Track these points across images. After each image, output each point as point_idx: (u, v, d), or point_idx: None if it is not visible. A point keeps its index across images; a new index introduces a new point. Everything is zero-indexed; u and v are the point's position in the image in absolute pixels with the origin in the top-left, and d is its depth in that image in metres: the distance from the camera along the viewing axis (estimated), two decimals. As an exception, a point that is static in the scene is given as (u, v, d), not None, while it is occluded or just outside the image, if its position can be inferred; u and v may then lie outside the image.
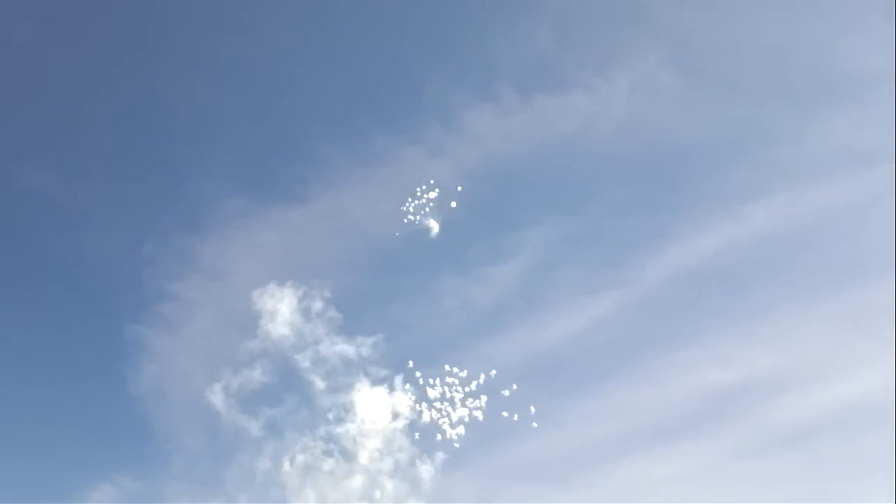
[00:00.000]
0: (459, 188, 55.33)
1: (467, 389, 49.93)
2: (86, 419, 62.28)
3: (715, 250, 62.76)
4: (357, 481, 49.45)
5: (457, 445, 49.63)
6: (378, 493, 48.94)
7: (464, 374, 50.98)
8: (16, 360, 62.99)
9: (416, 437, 50.20)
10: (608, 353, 61.68)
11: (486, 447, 53.54)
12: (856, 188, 61.26)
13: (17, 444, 59.98)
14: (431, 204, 56.02)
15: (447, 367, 50.95)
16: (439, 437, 49.86)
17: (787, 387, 57.98)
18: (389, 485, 49.25)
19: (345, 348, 52.98)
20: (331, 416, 51.62)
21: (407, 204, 55.94)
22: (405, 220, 55.56)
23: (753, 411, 57.88)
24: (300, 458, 50.92)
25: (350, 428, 50.71)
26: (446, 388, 50.42)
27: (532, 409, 49.77)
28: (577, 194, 67.04)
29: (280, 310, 54.27)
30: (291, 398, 53.24)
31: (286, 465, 50.79)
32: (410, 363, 51.50)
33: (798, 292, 60.81)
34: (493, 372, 50.41)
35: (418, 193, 55.95)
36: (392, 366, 52.55)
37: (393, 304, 57.46)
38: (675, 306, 62.60)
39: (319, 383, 52.70)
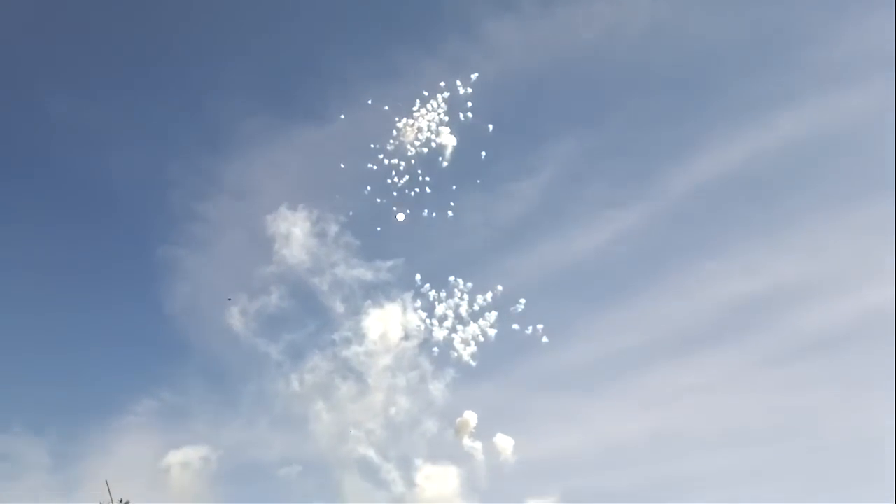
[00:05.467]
0: (470, 104, 53.70)
1: (476, 307, 49.61)
2: (125, 338, 65.12)
3: (742, 159, 61.37)
4: (372, 399, 50.07)
5: (473, 363, 49.67)
6: (393, 410, 49.53)
7: (469, 285, 50.52)
8: (53, 285, 64.90)
9: (434, 352, 50.36)
10: (634, 265, 61.40)
11: (506, 360, 53.85)
12: (888, 92, 58.67)
13: (62, 365, 62.51)
14: (450, 119, 54.59)
15: (451, 279, 50.59)
16: (454, 354, 49.94)
17: (814, 295, 57.21)
18: (404, 401, 49.77)
19: (362, 272, 52.86)
20: (343, 337, 51.92)
21: (427, 120, 54.46)
22: (424, 138, 54.34)
23: (779, 320, 57.38)
24: (316, 378, 51.62)
25: (365, 348, 50.98)
26: (454, 304, 50.12)
27: (540, 326, 49.39)
28: (600, 105, 65.67)
29: (294, 233, 54.28)
30: (311, 321, 53.73)
31: (302, 385, 51.58)
32: (418, 277, 51.16)
33: (826, 200, 59.43)
34: (500, 287, 49.97)
35: (437, 108, 54.44)
36: (411, 286, 52.53)
37: (413, 224, 57.01)
38: (702, 217, 61.71)
39: (339, 306, 52.91)
